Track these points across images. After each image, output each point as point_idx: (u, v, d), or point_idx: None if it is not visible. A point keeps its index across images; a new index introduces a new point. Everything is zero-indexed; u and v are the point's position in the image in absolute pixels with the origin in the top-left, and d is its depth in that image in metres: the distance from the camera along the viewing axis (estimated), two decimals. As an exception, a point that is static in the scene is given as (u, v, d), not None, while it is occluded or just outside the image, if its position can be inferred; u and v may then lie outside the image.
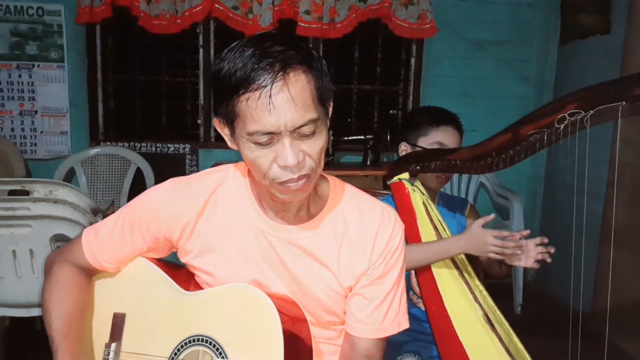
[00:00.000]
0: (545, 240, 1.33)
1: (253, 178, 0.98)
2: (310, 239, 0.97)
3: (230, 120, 0.85)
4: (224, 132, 0.90)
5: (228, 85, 0.82)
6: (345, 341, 1.04)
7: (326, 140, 0.88)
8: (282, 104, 0.79)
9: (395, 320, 1.02)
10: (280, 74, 0.79)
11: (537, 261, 1.34)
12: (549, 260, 1.33)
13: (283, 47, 0.81)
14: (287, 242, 0.97)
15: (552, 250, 1.34)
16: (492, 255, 1.32)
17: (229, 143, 0.92)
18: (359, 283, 1.00)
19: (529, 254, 1.34)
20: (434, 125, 1.49)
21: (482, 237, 1.31)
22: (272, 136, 0.81)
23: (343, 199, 1.01)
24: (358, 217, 0.99)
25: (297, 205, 0.96)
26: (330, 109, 0.91)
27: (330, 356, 1.05)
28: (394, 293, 1.01)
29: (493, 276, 1.52)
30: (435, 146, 1.47)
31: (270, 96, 0.79)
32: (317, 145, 0.85)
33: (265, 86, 0.79)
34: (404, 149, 1.55)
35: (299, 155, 0.83)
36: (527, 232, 1.32)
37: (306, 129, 0.82)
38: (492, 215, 1.34)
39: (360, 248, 0.98)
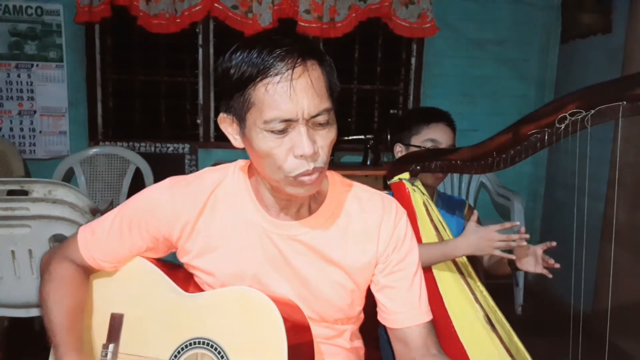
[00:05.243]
0: (554, 244, 1.28)
1: (253, 175, 0.97)
2: (313, 234, 0.96)
3: (243, 111, 0.83)
4: (231, 129, 0.89)
5: (242, 75, 0.80)
6: (395, 342, 1.02)
7: (336, 135, 0.88)
8: (301, 89, 0.80)
9: (427, 305, 1.01)
10: (299, 60, 0.80)
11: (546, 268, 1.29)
12: (557, 265, 1.28)
13: (292, 40, 0.82)
14: (289, 239, 0.96)
15: (552, 262, 1.29)
16: (497, 252, 1.27)
17: (233, 141, 0.90)
18: (376, 276, 0.99)
19: (538, 260, 1.29)
20: (424, 124, 1.52)
21: (485, 235, 1.28)
22: (289, 124, 0.81)
23: (342, 192, 1.00)
24: (359, 208, 0.99)
25: (299, 201, 0.95)
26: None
27: (330, 357, 1.04)
28: (420, 277, 1.01)
29: (499, 276, 1.49)
30: (428, 143, 1.50)
31: (291, 81, 0.79)
32: (329, 137, 0.86)
33: (285, 72, 0.79)
34: (399, 149, 1.58)
35: (314, 144, 0.83)
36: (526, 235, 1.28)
37: (321, 118, 0.83)
38: (476, 212, 1.35)
39: (365, 239, 0.97)
